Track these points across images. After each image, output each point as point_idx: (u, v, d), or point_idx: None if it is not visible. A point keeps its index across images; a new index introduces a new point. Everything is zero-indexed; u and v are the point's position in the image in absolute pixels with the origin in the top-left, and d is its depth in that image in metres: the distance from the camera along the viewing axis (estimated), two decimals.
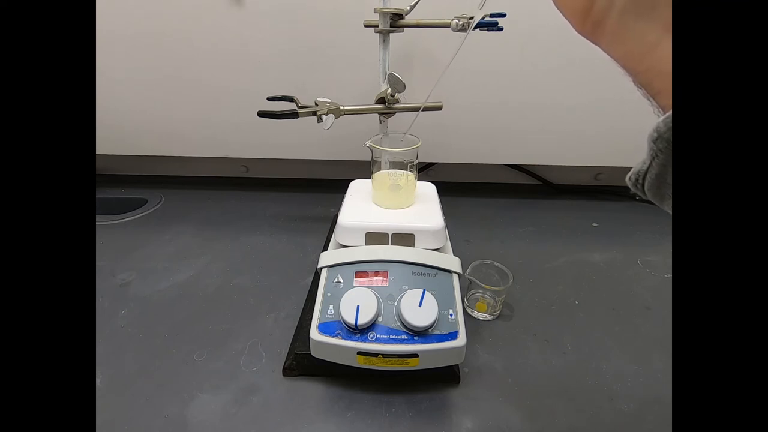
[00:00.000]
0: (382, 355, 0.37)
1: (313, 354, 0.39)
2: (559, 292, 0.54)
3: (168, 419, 0.38)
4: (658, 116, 0.18)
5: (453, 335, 0.37)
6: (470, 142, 0.71)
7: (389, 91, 0.50)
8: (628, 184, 0.20)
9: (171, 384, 0.41)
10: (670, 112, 0.17)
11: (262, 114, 0.50)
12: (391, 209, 0.47)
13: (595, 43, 0.21)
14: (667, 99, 0.18)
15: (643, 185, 0.19)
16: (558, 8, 0.22)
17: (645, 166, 0.19)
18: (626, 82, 0.20)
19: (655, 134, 0.17)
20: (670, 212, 0.19)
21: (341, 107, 0.50)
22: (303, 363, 0.41)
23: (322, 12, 0.60)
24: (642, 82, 0.19)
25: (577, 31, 0.22)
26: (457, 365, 0.41)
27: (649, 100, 0.19)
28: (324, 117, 0.50)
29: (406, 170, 0.47)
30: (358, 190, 0.53)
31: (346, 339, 0.37)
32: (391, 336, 0.37)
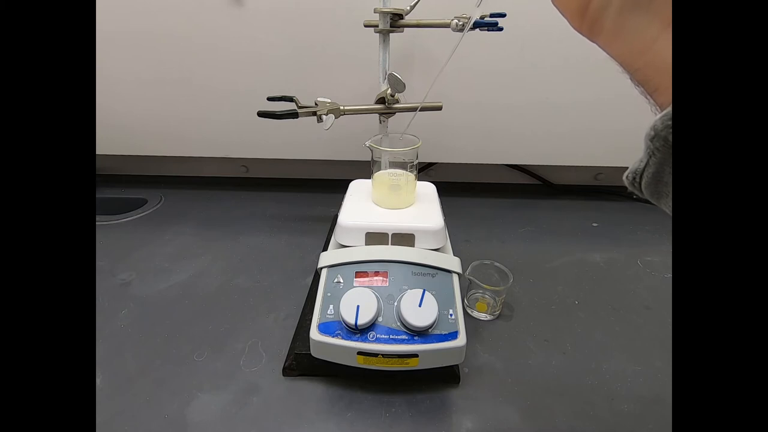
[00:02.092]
0: (382, 355, 0.37)
1: (313, 354, 0.39)
2: (559, 292, 0.54)
3: (168, 419, 0.37)
4: (656, 114, 0.18)
5: (453, 335, 0.37)
6: (470, 142, 0.71)
7: (389, 91, 0.50)
8: (625, 182, 0.20)
9: (171, 384, 0.41)
10: (667, 110, 0.17)
11: (262, 114, 0.50)
12: (391, 209, 0.47)
13: (593, 41, 0.21)
14: (665, 96, 0.18)
15: (640, 184, 0.19)
16: (555, 6, 0.22)
17: (642, 165, 0.19)
18: (626, 81, 0.20)
19: (652, 132, 0.17)
20: (667, 211, 0.19)
21: (341, 107, 0.50)
22: (303, 363, 0.41)
23: (323, 12, 0.60)
24: (640, 79, 0.19)
25: (574, 28, 0.22)
26: (457, 365, 0.41)
27: (646, 98, 0.19)
28: (324, 117, 0.50)
29: (406, 170, 0.47)
30: (358, 190, 0.53)
31: (346, 339, 0.37)
32: (391, 336, 0.37)
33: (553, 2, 0.22)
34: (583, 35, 0.22)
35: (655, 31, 0.18)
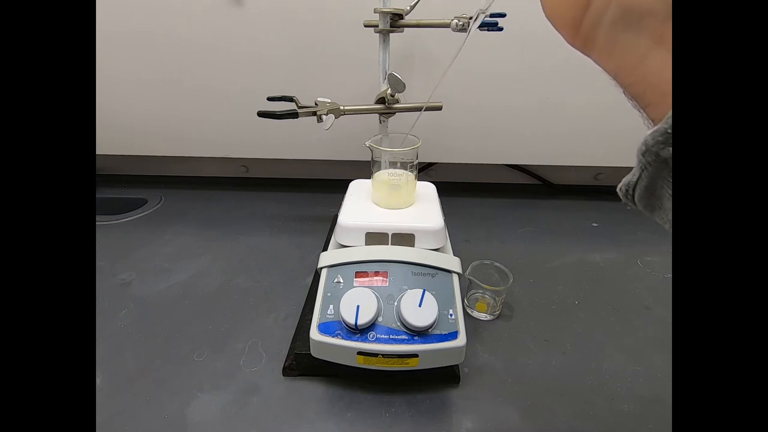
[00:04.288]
0: (382, 355, 0.37)
1: (313, 354, 0.39)
2: (559, 292, 0.54)
3: (168, 419, 0.38)
4: (648, 128, 0.18)
5: (453, 335, 0.37)
6: (470, 142, 0.71)
7: (389, 91, 0.50)
8: (619, 194, 0.21)
9: (171, 384, 0.41)
10: (658, 126, 0.17)
11: (262, 114, 0.50)
12: (391, 209, 0.47)
13: (587, 55, 0.22)
14: (657, 111, 0.18)
15: (633, 196, 0.20)
16: (549, 21, 0.22)
17: (634, 178, 0.19)
18: None
19: (644, 147, 0.17)
20: (660, 222, 0.19)
21: (341, 107, 0.50)
22: (303, 363, 0.41)
23: (322, 12, 0.60)
24: (632, 93, 0.19)
25: (568, 43, 0.22)
26: (457, 365, 0.41)
27: (640, 111, 0.19)
28: (324, 117, 0.50)
29: (406, 170, 0.47)
30: (358, 190, 0.53)
31: (346, 339, 0.37)
32: (391, 336, 0.37)
33: (547, 17, 0.22)
34: (577, 50, 0.22)
35: (646, 48, 0.18)
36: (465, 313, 0.49)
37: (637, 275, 0.58)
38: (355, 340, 0.37)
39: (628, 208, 0.21)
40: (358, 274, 0.42)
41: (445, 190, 0.55)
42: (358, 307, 0.37)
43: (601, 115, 0.66)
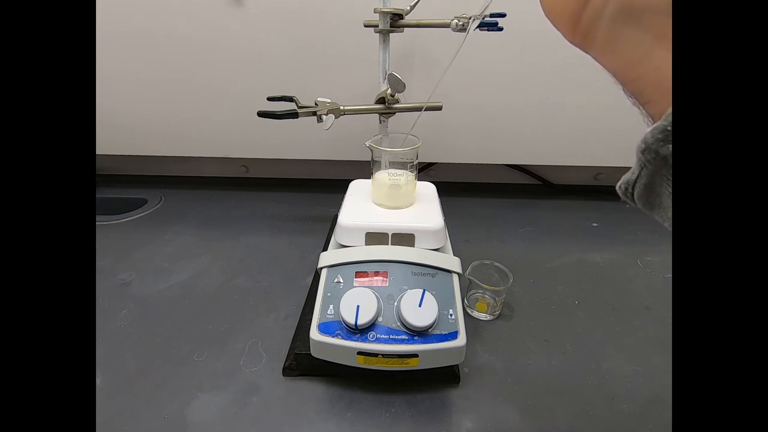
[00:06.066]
0: (382, 355, 0.37)
1: (313, 354, 0.39)
2: (559, 292, 0.54)
3: (168, 419, 0.38)
4: (648, 125, 0.18)
5: (453, 335, 0.37)
6: (470, 142, 0.71)
7: (389, 91, 0.50)
8: (619, 192, 0.20)
9: (171, 384, 0.41)
10: (657, 124, 0.17)
11: (262, 114, 0.50)
12: (391, 209, 0.47)
13: (586, 52, 0.21)
14: (657, 108, 0.18)
15: (632, 194, 0.20)
16: (548, 18, 0.22)
17: (634, 176, 0.19)
18: None
19: (643, 145, 0.17)
20: (660, 220, 0.19)
21: (341, 107, 0.50)
22: (303, 363, 0.41)
23: (322, 12, 0.60)
24: (632, 90, 0.19)
25: (567, 40, 0.22)
26: (457, 365, 0.41)
27: (639, 108, 0.19)
28: (324, 117, 0.50)
29: (406, 170, 0.47)
30: (358, 190, 0.53)
31: (346, 339, 0.37)
32: (391, 336, 0.37)
33: (546, 15, 0.22)
34: (577, 47, 0.22)
35: (647, 44, 0.18)
36: (465, 313, 0.49)
37: (637, 275, 0.58)
38: (355, 340, 0.37)
39: (628, 206, 0.21)
40: (358, 274, 0.42)
41: (445, 190, 0.55)
42: (358, 307, 0.37)
43: (601, 115, 0.66)
